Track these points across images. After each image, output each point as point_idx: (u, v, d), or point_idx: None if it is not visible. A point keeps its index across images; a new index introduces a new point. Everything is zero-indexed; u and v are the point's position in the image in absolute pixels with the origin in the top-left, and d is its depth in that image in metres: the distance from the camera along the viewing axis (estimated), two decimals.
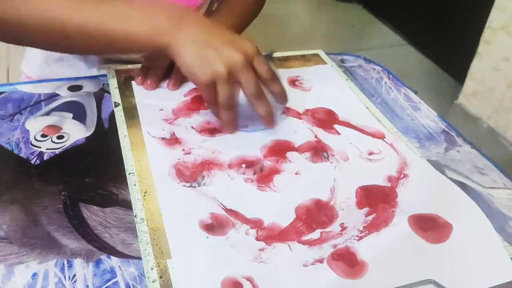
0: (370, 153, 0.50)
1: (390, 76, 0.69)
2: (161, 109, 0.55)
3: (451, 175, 0.51)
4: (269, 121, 0.50)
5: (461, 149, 0.55)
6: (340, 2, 2.42)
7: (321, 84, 0.62)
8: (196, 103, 0.56)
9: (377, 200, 0.44)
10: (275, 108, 0.50)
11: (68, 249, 0.38)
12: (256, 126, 0.52)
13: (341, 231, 0.42)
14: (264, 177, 0.47)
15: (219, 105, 0.48)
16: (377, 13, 2.31)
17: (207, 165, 0.47)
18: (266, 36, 2.15)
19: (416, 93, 0.66)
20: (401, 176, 0.48)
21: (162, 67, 0.59)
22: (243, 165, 0.48)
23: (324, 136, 0.52)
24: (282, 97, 0.51)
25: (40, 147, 0.48)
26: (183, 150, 0.49)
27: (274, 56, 0.60)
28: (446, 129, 0.59)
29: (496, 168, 0.53)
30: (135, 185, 0.44)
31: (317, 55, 0.70)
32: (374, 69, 0.71)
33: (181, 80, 0.59)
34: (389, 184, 0.47)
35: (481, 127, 1.38)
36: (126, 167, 0.46)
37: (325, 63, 0.68)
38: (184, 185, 0.44)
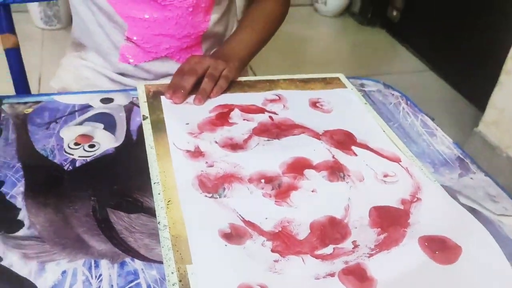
0: (385, 175, 0.52)
1: (408, 102, 0.71)
2: (187, 123, 0.58)
3: (463, 200, 0.52)
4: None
5: (475, 176, 0.57)
6: (364, 26, 2.45)
7: (341, 107, 0.64)
8: (220, 119, 0.59)
9: (389, 221, 0.46)
10: None
11: (95, 250, 0.41)
12: None
13: (353, 248, 0.44)
14: (282, 192, 0.49)
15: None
16: (400, 38, 2.33)
17: (228, 178, 0.50)
18: (290, 57, 2.20)
19: (433, 119, 0.68)
20: (414, 200, 0.49)
21: (190, 84, 0.62)
22: (262, 180, 0.50)
23: (341, 157, 0.54)
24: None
25: (73, 155, 0.52)
26: (206, 162, 0.52)
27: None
28: (461, 156, 0.60)
29: (508, 197, 0.54)
30: (159, 194, 0.47)
31: (337, 78, 0.73)
32: (393, 94, 0.73)
33: (206, 96, 0.62)
34: (402, 207, 0.48)
35: (499, 156, 1.38)
36: (151, 176, 0.49)
37: (345, 86, 0.71)
38: (206, 196, 0.47)
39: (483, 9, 1.81)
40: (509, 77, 1.34)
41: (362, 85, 0.74)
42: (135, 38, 0.70)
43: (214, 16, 0.73)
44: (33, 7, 1.96)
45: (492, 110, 1.40)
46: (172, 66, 0.71)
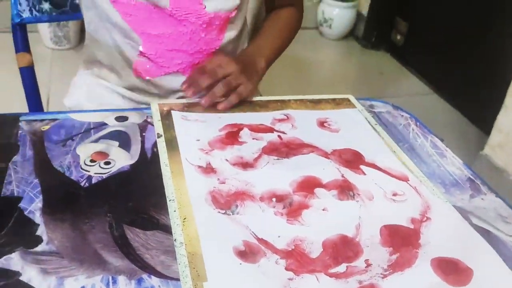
0: (394, 194, 0.53)
1: (418, 123, 0.72)
2: (198, 140, 0.58)
3: (475, 221, 0.52)
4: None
5: (486, 197, 0.57)
6: (368, 49, 2.48)
7: (348, 127, 0.65)
8: (230, 138, 0.60)
9: (400, 240, 0.47)
10: None
11: (112, 266, 0.42)
12: None
13: (366, 267, 0.44)
14: (293, 211, 0.49)
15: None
16: (404, 62, 2.35)
17: (240, 195, 0.50)
18: (296, 79, 2.22)
19: (442, 141, 0.68)
20: (424, 219, 0.50)
21: (205, 84, 0.66)
22: (274, 199, 0.51)
23: (350, 176, 0.55)
24: None
25: (89, 171, 0.53)
26: (218, 179, 0.52)
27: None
28: (471, 177, 0.61)
29: None
30: (175, 211, 0.47)
31: (347, 99, 0.74)
32: (402, 115, 0.74)
33: (213, 100, 0.65)
34: (412, 226, 0.49)
35: (506, 179, 1.38)
36: (167, 194, 0.50)
37: (354, 107, 0.72)
38: (219, 212, 0.48)
39: (487, 33, 1.83)
40: None
41: (371, 106, 0.75)
42: (149, 53, 0.71)
43: (227, 35, 0.75)
44: (43, 27, 1.99)
45: (498, 133, 1.41)
46: (182, 81, 0.72)
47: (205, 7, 0.70)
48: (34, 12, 0.82)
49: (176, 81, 0.74)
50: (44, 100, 0.89)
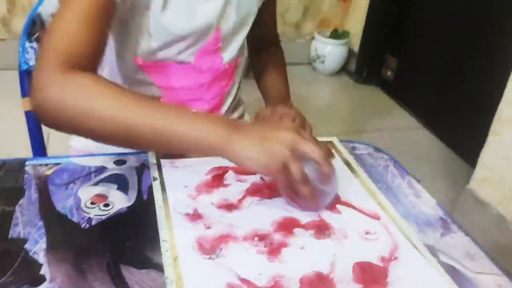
0: (367, 233, 0.58)
1: (396, 164, 0.77)
2: (186, 186, 0.63)
3: (444, 259, 0.57)
4: (329, 176, 0.57)
5: (455, 235, 0.62)
6: (360, 84, 2.57)
7: None
8: (216, 181, 0.65)
9: (370, 277, 0.51)
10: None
11: None
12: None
13: None
14: (274, 249, 0.54)
15: (298, 183, 0.55)
16: (395, 96, 2.43)
17: (224, 238, 0.55)
18: None
19: (419, 181, 0.74)
20: (392, 258, 0.54)
21: None
22: (256, 238, 0.55)
23: (327, 216, 0.60)
24: (331, 177, 0.58)
25: (89, 213, 0.57)
26: (204, 224, 0.57)
27: None
28: (443, 216, 0.65)
29: (486, 256, 0.59)
30: (167, 251, 0.52)
31: (331, 142, 0.79)
32: (382, 157, 0.79)
33: None
34: (381, 264, 0.53)
35: (490, 213, 1.43)
36: (160, 235, 0.54)
37: (338, 150, 0.77)
38: (204, 257, 0.52)
39: (473, 69, 1.91)
40: (497, 137, 1.42)
41: (353, 148, 0.80)
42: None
43: (235, 78, 0.82)
44: None
45: (482, 169, 1.47)
46: None
47: (224, 59, 0.77)
48: None
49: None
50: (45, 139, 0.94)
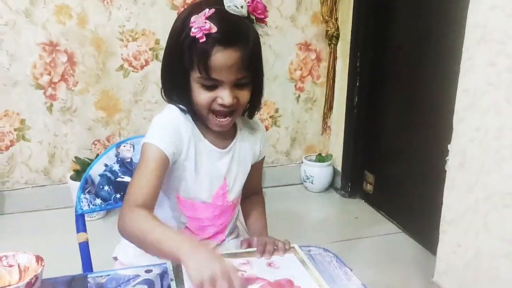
0: None
1: (337, 259, 1.11)
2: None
3: None
4: None
5: None
6: (346, 198, 2.94)
7: (287, 265, 1.04)
8: None
9: None
10: None
11: None
12: None
13: None
14: None
15: None
16: (376, 207, 2.79)
17: None
18: (287, 226, 2.63)
19: (351, 270, 1.07)
20: None
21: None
22: None
23: None
24: None
25: None
26: None
27: None
28: None
29: None
30: None
31: (293, 247, 1.14)
32: (328, 255, 1.13)
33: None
34: None
35: None
36: None
37: (297, 252, 1.11)
38: None
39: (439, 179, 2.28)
40: (445, 236, 1.75)
41: (309, 250, 1.15)
42: (192, 228, 1.17)
43: (236, 211, 1.21)
44: None
45: (440, 262, 1.77)
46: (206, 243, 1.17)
47: (229, 198, 1.19)
48: (91, 206, 1.29)
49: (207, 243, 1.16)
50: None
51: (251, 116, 1.19)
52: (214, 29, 0.98)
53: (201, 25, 0.97)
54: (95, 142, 2.75)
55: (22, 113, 2.59)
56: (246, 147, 1.22)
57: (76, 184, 1.30)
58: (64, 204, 2.65)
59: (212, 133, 1.14)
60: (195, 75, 1.04)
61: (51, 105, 2.63)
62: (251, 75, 1.06)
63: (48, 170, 2.73)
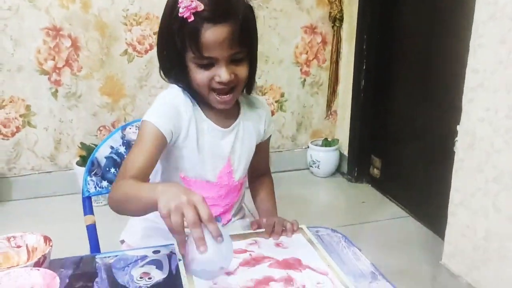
0: (318, 283, 0.89)
1: (346, 239, 1.10)
2: None
3: None
4: (199, 244, 0.75)
5: (380, 282, 0.93)
6: (353, 183, 2.93)
7: (295, 245, 1.03)
8: None
9: None
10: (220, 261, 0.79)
11: None
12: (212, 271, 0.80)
13: None
14: None
15: (189, 225, 0.75)
16: (383, 191, 2.77)
17: None
18: (294, 211, 2.61)
19: (360, 250, 1.06)
20: None
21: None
22: None
23: (292, 273, 0.92)
24: (216, 234, 0.76)
25: (139, 283, 0.91)
26: (213, 283, 0.89)
27: None
28: (373, 271, 0.97)
29: None
30: None
31: (301, 228, 1.13)
32: (337, 235, 1.12)
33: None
34: None
35: (461, 283, 1.69)
36: None
37: (305, 232, 1.10)
38: None
39: (448, 160, 2.27)
40: (454, 218, 1.73)
41: (317, 231, 1.14)
42: None
43: (242, 191, 1.20)
44: None
45: (448, 245, 1.76)
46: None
47: (235, 178, 1.17)
48: (97, 188, 1.28)
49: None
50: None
51: (248, 91, 1.18)
52: (201, 7, 0.96)
53: (188, 4, 0.96)
54: (101, 128, 2.75)
55: (27, 99, 2.59)
56: (250, 126, 1.20)
57: (83, 170, 1.29)
58: (70, 190, 2.66)
59: (214, 112, 1.13)
60: (189, 55, 1.02)
61: (56, 90, 2.62)
62: (246, 49, 1.04)
63: (54, 156, 2.73)
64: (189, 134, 1.10)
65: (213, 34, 0.98)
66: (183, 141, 1.10)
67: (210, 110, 1.13)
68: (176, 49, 1.03)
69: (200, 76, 1.04)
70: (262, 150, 1.27)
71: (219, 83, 1.04)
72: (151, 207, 0.83)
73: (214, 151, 1.14)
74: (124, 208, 0.96)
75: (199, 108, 1.12)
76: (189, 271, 0.86)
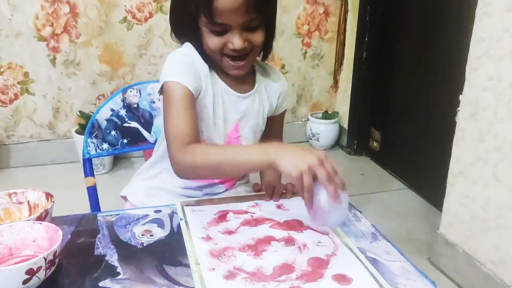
0: (319, 242, 0.90)
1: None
2: (201, 222, 0.96)
3: (370, 254, 0.88)
4: (336, 196, 0.82)
5: (380, 242, 0.94)
6: (352, 156, 2.93)
7: (295, 206, 1.04)
8: (221, 218, 0.97)
9: (317, 264, 0.82)
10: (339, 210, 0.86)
11: (158, 283, 0.78)
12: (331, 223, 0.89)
13: (296, 278, 0.79)
14: (257, 253, 0.85)
15: (304, 189, 0.81)
16: (382, 164, 2.78)
17: (226, 249, 0.86)
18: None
19: (361, 212, 1.06)
20: (332, 254, 0.86)
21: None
22: (246, 247, 0.87)
23: (294, 234, 0.92)
24: (343, 184, 0.84)
25: (141, 240, 0.91)
26: (213, 243, 0.89)
27: None
28: (374, 232, 0.97)
29: (398, 252, 0.90)
30: (191, 257, 0.85)
31: None
32: None
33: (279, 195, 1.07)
34: (326, 258, 0.85)
35: (458, 252, 1.70)
36: (187, 249, 0.87)
37: None
38: (214, 259, 0.84)
39: (449, 133, 2.27)
40: (452, 188, 1.74)
41: None
42: None
43: None
44: None
45: (446, 215, 1.77)
46: (217, 187, 1.16)
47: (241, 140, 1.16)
48: (98, 150, 1.27)
49: (216, 187, 1.16)
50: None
51: (264, 58, 1.15)
52: None
53: None
54: (100, 97, 2.73)
55: (25, 65, 2.56)
56: (263, 98, 1.18)
57: (82, 138, 1.28)
58: (70, 159, 2.66)
59: (228, 77, 1.11)
60: (202, 20, 1.00)
61: (54, 57, 2.59)
62: (262, 16, 1.01)
63: (53, 125, 2.72)
64: (207, 91, 1.08)
65: (226, 0, 0.95)
66: (201, 99, 1.08)
67: (223, 74, 1.10)
68: (189, 12, 1.01)
69: (212, 41, 1.02)
70: (275, 123, 1.24)
71: (233, 50, 1.01)
72: (257, 169, 0.95)
73: (226, 115, 1.12)
74: (211, 172, 0.99)
75: (213, 71, 1.10)
76: (323, 224, 0.91)
